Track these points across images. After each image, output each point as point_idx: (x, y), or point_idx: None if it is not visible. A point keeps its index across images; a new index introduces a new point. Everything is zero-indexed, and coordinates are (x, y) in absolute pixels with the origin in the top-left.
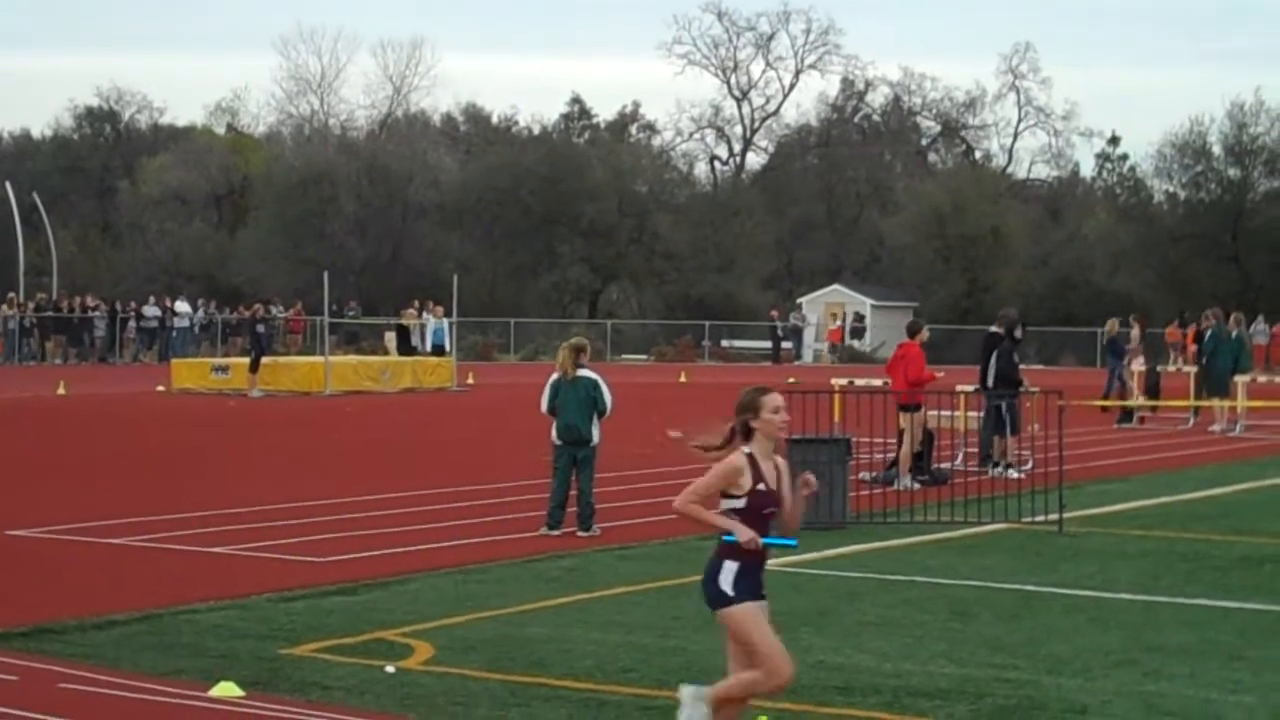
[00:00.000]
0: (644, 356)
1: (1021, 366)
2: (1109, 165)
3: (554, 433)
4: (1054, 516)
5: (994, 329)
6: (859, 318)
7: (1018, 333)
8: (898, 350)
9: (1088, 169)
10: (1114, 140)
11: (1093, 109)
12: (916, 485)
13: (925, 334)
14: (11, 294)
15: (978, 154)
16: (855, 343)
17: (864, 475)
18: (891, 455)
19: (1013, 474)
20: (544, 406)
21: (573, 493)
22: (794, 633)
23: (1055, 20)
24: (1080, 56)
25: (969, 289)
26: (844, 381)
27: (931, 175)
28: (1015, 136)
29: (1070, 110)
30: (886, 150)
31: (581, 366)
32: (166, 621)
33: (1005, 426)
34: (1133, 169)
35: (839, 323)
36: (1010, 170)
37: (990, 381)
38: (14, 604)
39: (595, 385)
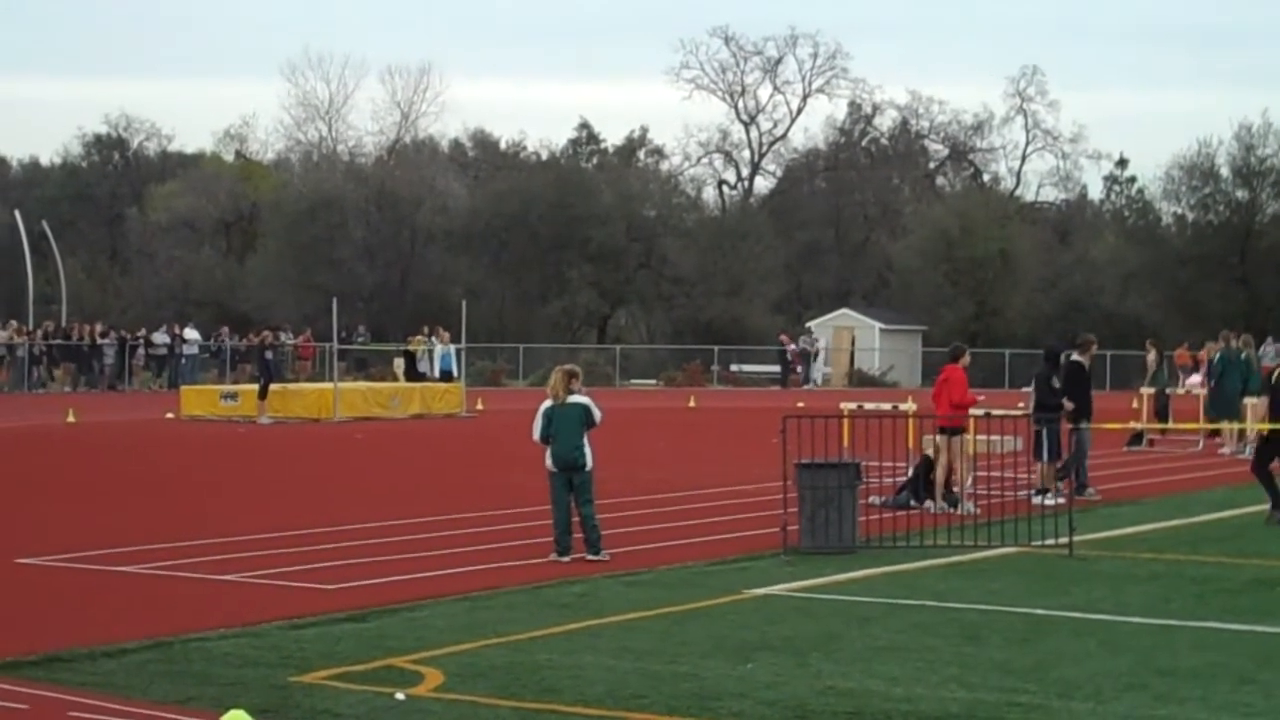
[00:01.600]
0: (653, 381)
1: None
2: (1117, 188)
3: (548, 460)
4: (1064, 540)
5: (1076, 357)
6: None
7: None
8: (942, 374)
9: (1096, 191)
10: (1122, 163)
11: (1100, 132)
12: (954, 507)
13: (967, 358)
14: (14, 321)
15: (986, 177)
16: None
17: (874, 499)
18: (901, 479)
19: (1049, 500)
20: (536, 434)
21: (576, 519)
22: (804, 658)
23: (1062, 43)
24: (1087, 79)
25: (977, 312)
26: (853, 405)
27: (939, 198)
28: (1023, 159)
29: (1078, 133)
30: (894, 173)
31: (574, 392)
32: (177, 649)
33: (1044, 451)
34: (1141, 191)
35: (793, 347)
36: (1018, 193)
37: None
38: (24, 632)
39: (586, 410)
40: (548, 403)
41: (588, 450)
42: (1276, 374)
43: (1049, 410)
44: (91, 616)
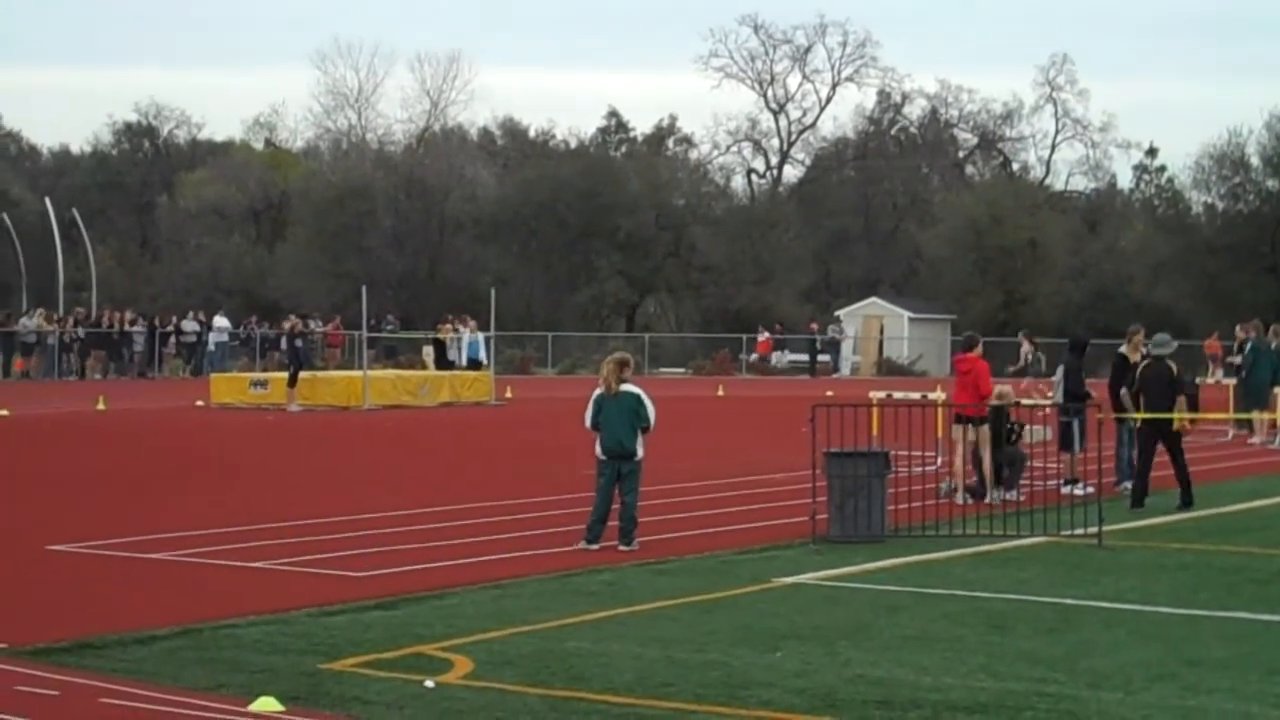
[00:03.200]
0: (681, 370)
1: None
2: (1147, 177)
3: (598, 447)
4: (1093, 530)
5: (1122, 349)
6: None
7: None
8: (964, 364)
9: (1125, 181)
10: (1151, 152)
11: (1130, 121)
12: (1009, 495)
13: (981, 348)
14: (41, 309)
15: (1015, 166)
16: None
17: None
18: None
19: (1078, 490)
20: (587, 422)
21: (615, 506)
22: (832, 646)
23: (1092, 32)
24: (1117, 68)
25: (1006, 300)
26: (882, 394)
27: (969, 187)
28: (1053, 148)
29: (1108, 122)
30: (924, 163)
31: (625, 381)
32: (207, 636)
33: (1074, 443)
34: (1170, 180)
35: (765, 335)
36: (1048, 182)
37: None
38: (55, 619)
39: (638, 399)
40: (599, 390)
41: (639, 440)
42: None
43: (1078, 400)
44: (122, 603)
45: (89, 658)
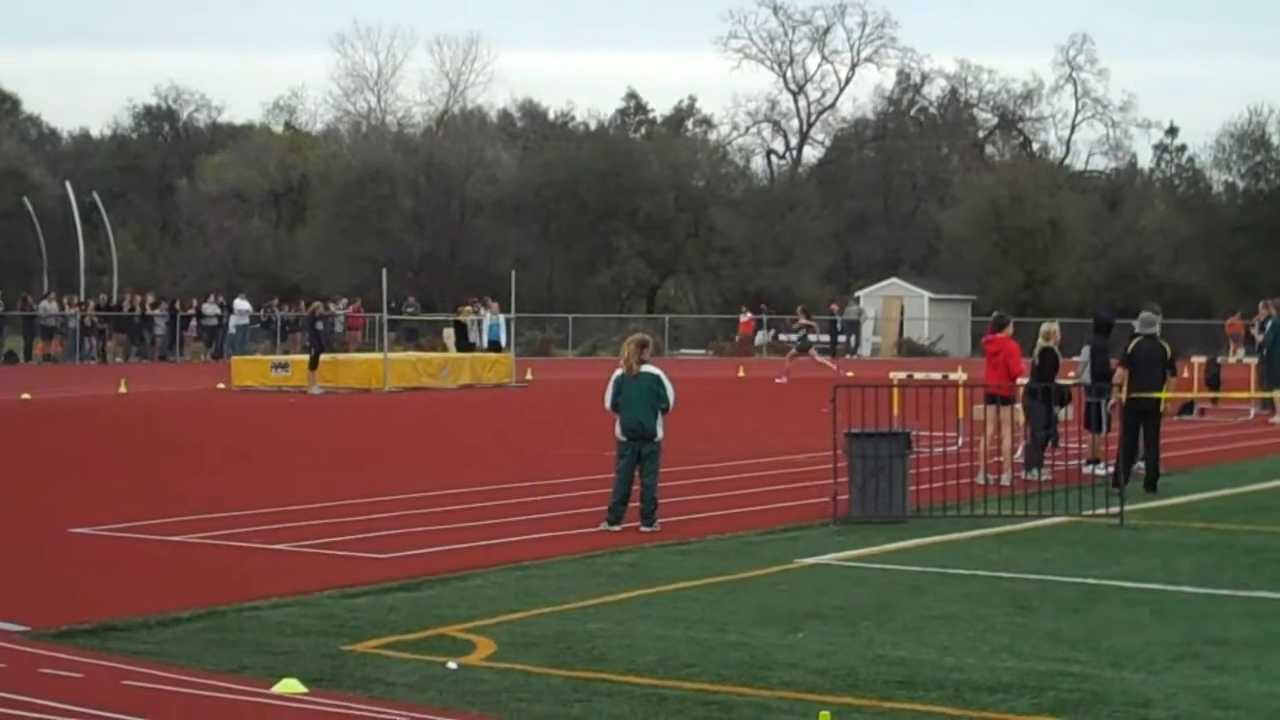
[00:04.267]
0: (702, 351)
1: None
2: (1167, 156)
3: (618, 429)
4: (1115, 510)
5: (1150, 331)
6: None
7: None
8: (995, 344)
9: (1146, 160)
10: (1172, 131)
11: (1150, 100)
12: (1047, 474)
13: (1011, 328)
14: (52, 293)
15: (1035, 146)
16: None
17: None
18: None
19: (1100, 471)
20: (608, 403)
21: (636, 488)
22: (855, 627)
23: (1112, 11)
24: (1137, 48)
25: (1027, 281)
26: (903, 375)
27: (989, 167)
28: (1073, 128)
29: (1128, 101)
30: (943, 143)
31: (645, 362)
32: (229, 618)
33: (1102, 424)
34: (1191, 160)
35: (748, 316)
36: (1068, 162)
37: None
38: (78, 601)
39: (658, 380)
40: (619, 371)
41: (659, 421)
42: None
43: (1104, 380)
44: (144, 586)
45: (112, 640)
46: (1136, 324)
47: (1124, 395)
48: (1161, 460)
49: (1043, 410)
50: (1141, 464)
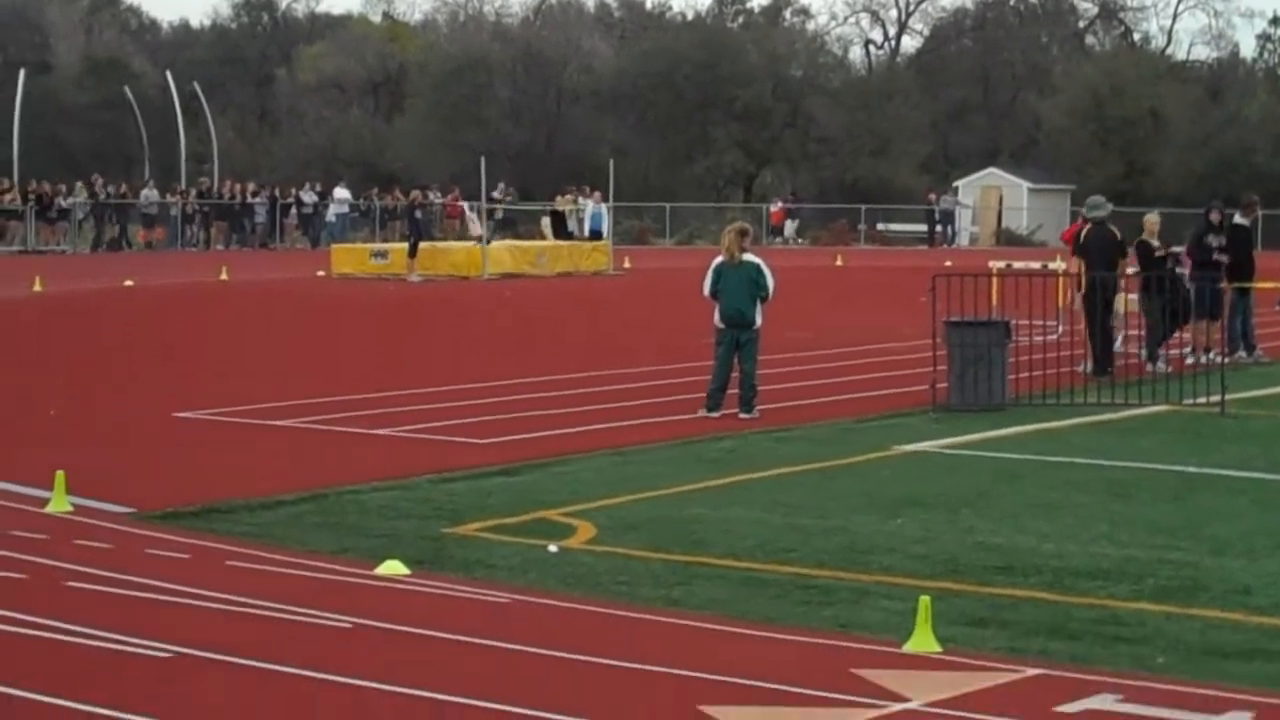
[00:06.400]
0: (800, 240)
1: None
2: (1270, 46)
3: (717, 316)
4: (1216, 398)
5: (1239, 218)
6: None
7: (1214, 217)
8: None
9: (1248, 50)
10: (1275, 20)
11: None
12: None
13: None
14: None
15: (1136, 36)
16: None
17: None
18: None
19: (1202, 359)
20: (706, 290)
21: (735, 375)
22: (954, 514)
23: None
24: None
25: (1127, 171)
26: (1001, 264)
27: (1089, 58)
28: (1174, 18)
29: None
30: (1043, 32)
31: (745, 250)
32: (331, 501)
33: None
34: None
35: (779, 205)
36: (1169, 52)
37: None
38: (183, 484)
39: (758, 269)
40: (719, 259)
41: (758, 309)
42: None
43: (1207, 269)
44: (248, 469)
45: (216, 522)
46: (1084, 210)
47: (1083, 284)
48: (1261, 348)
49: (1158, 303)
50: (1242, 353)
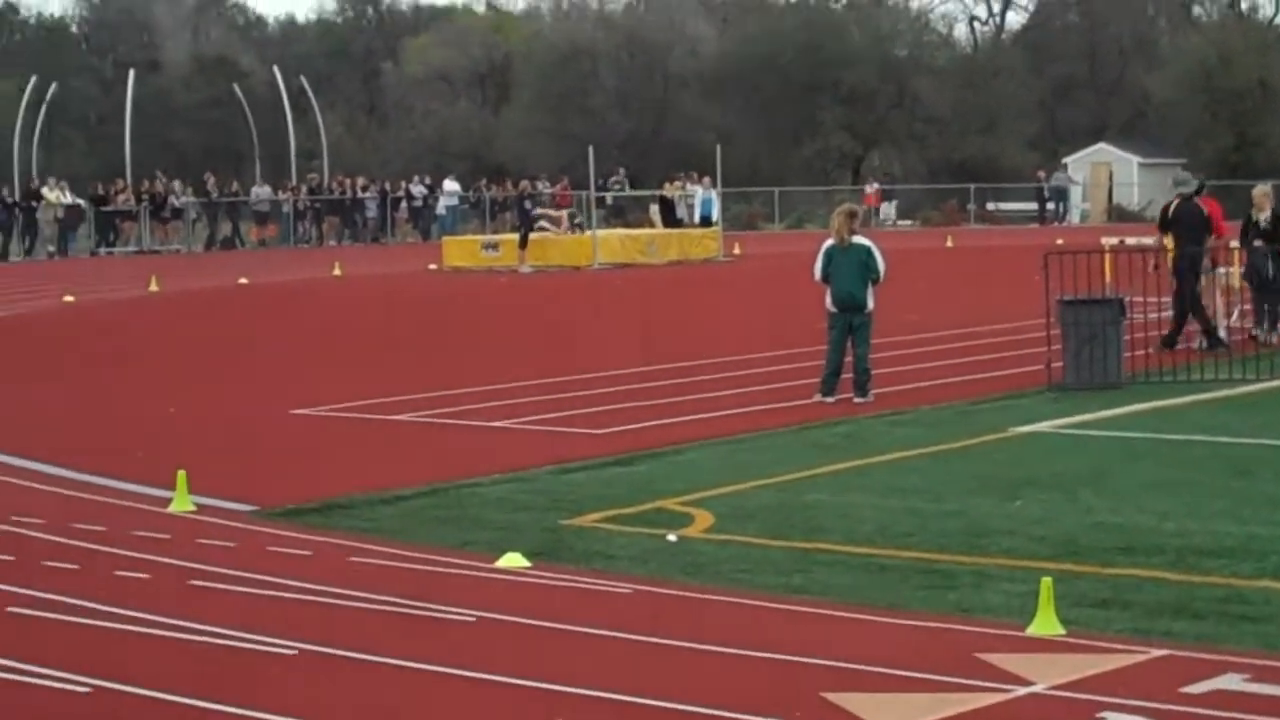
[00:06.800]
0: (909, 222)
1: None
2: None
3: (828, 300)
4: None
5: (1185, 191)
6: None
7: None
8: (1211, 208)
9: None
10: None
11: None
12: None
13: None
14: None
15: (1244, 5)
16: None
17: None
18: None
19: None
20: (817, 274)
21: (848, 359)
22: (1073, 494)
23: None
24: None
25: (1237, 143)
26: (1114, 241)
27: (1196, 28)
28: None
29: None
30: (1150, 4)
31: (855, 233)
32: (451, 495)
33: None
34: None
35: (874, 187)
36: (1278, 21)
37: None
38: (303, 481)
39: (869, 251)
40: (830, 242)
41: (869, 292)
42: None
43: None
44: (367, 464)
45: (337, 518)
46: (1170, 184)
47: (1171, 256)
48: None
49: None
50: None
